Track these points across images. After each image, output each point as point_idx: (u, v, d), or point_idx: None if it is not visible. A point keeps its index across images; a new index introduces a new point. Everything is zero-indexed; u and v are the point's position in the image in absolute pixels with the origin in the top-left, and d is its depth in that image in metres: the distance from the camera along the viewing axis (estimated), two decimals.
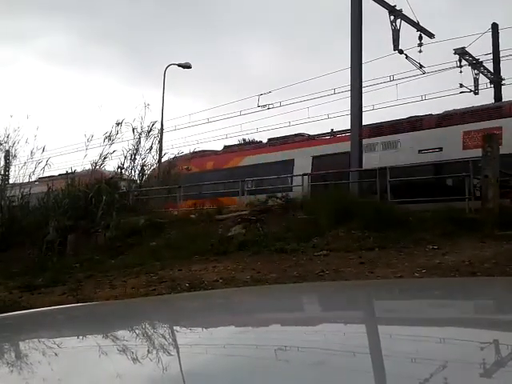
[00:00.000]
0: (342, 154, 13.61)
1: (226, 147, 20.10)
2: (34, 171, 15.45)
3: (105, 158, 15.23)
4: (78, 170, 16.73)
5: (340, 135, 15.86)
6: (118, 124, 15.34)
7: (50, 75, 72.18)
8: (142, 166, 16.02)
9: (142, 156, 15.98)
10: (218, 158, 18.82)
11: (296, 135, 17.74)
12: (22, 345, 1.21)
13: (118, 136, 15.32)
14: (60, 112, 60.87)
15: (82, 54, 67.05)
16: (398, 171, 12.26)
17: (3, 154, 15.88)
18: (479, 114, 12.53)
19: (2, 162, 15.96)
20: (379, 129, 14.39)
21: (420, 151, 12.87)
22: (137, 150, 15.75)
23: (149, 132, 16.03)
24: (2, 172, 15.99)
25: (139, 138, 15.75)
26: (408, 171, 12.65)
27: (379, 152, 13.72)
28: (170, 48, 63.90)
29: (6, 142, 15.60)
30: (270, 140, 18.55)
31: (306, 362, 0.91)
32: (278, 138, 18.09)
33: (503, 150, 9.58)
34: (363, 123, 13.39)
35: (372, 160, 12.92)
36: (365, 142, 13.26)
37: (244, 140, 21.53)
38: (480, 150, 9.36)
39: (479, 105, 13.55)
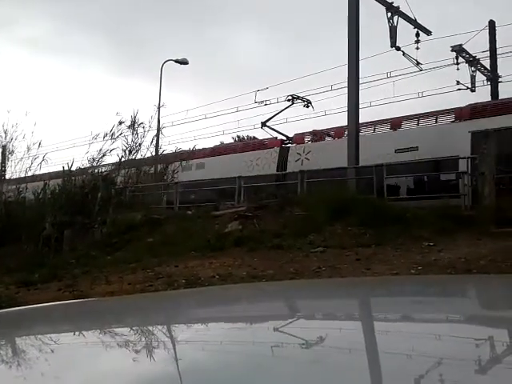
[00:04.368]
0: None
1: None
2: (30, 167, 15.41)
3: (103, 155, 15.17)
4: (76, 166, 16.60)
5: None
6: (120, 123, 15.26)
7: (35, 65, 69.23)
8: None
9: (135, 152, 15.97)
10: None
11: None
12: (18, 341, 1.21)
13: (117, 133, 15.27)
14: (46, 104, 58.94)
15: (65, 43, 65.40)
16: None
17: (0, 150, 15.84)
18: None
19: None
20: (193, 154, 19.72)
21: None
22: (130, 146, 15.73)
23: (133, 125, 15.83)
24: None
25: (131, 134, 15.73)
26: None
27: (194, 170, 18.40)
28: (160, 40, 62.81)
29: (3, 137, 15.54)
30: None
31: (303, 358, 0.91)
32: None
33: None
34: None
35: (188, 176, 17.34)
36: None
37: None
38: None
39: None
